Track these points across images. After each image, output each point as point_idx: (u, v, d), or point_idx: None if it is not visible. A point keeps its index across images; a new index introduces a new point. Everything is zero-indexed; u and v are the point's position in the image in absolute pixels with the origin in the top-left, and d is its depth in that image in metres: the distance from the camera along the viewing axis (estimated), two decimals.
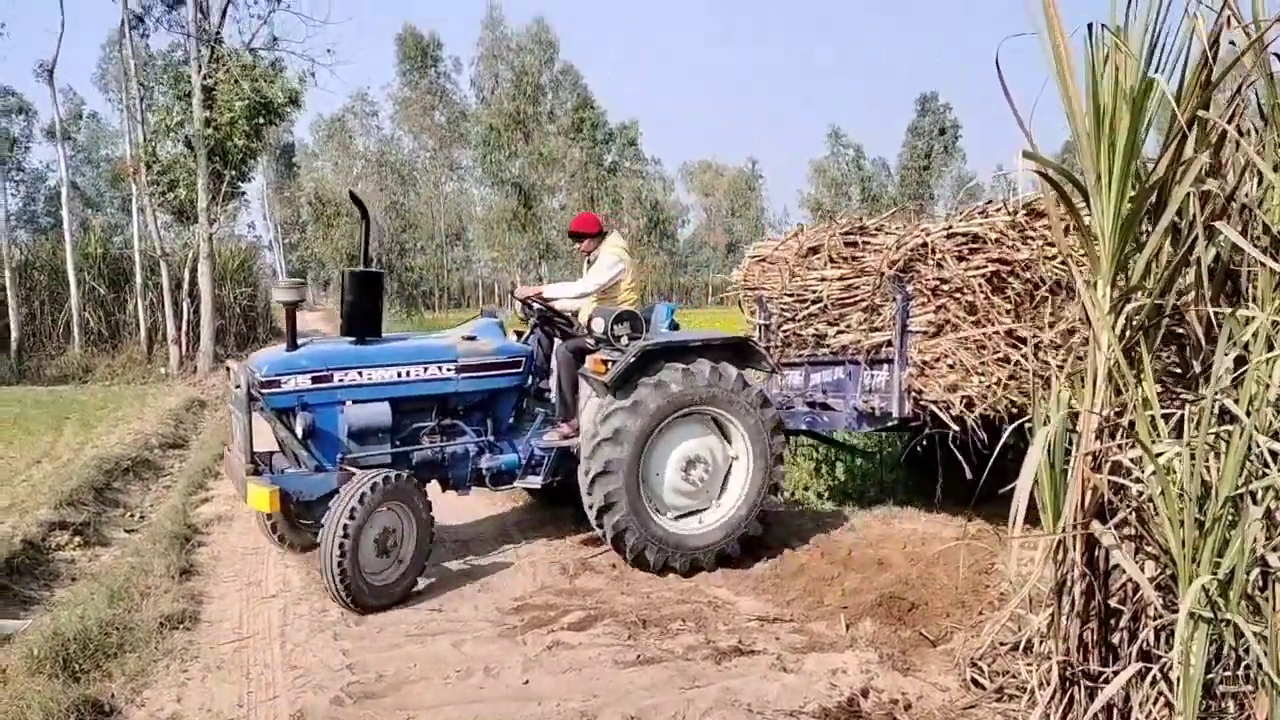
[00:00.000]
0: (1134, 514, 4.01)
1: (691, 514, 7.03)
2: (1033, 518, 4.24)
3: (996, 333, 6.88)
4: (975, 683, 4.85)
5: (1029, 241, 6.93)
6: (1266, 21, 3.42)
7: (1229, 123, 3.77)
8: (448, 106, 49.82)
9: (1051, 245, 6.77)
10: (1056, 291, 6.86)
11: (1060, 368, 4.04)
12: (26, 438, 12.55)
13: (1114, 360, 3.72)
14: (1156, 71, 3.65)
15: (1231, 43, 3.57)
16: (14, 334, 21.41)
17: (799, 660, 5.02)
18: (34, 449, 11.62)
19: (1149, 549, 4.07)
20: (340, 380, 6.40)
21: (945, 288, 7.02)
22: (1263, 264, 3.53)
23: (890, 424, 7.65)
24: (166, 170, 20.94)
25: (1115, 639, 4.29)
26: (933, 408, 7.04)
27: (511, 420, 7.33)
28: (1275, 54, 3.84)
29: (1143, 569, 4.00)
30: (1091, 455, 4.03)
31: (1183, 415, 3.83)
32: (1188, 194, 3.82)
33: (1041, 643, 4.55)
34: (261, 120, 20.35)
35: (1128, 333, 3.96)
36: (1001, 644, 5.09)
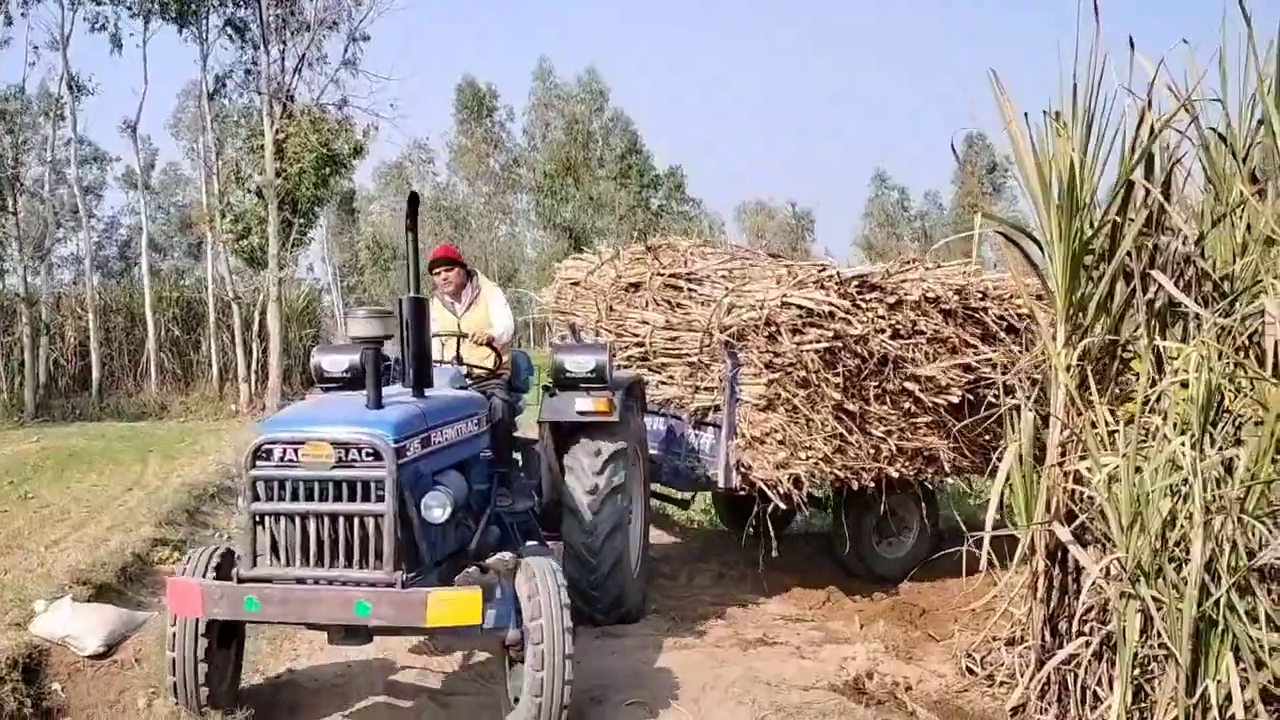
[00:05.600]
0: (1095, 516, 4.73)
1: None
2: None
3: (826, 407, 6.70)
4: (970, 670, 5.54)
5: (863, 313, 6.76)
6: (1167, 114, 4.19)
7: (1164, 187, 4.53)
8: (502, 154, 51.36)
9: (882, 318, 6.83)
10: (884, 364, 6.85)
11: (1028, 396, 4.79)
12: (116, 468, 13.51)
13: (1065, 387, 4.47)
14: (1099, 141, 4.46)
15: (1151, 127, 4.34)
16: (95, 373, 22.65)
17: (816, 650, 5.80)
18: (125, 478, 12.53)
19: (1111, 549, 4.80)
20: (436, 443, 4.92)
21: (779, 361, 6.64)
22: (1186, 305, 4.28)
23: (715, 489, 7.42)
24: (239, 219, 22.22)
25: (1087, 628, 5.00)
26: (761, 484, 6.73)
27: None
28: (1211, 130, 4.65)
29: (1109, 571, 4.71)
30: (1058, 466, 4.78)
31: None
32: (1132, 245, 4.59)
33: (1023, 634, 5.27)
34: (328, 171, 21.59)
35: (1085, 364, 4.71)
36: (995, 638, 5.77)
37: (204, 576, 4.60)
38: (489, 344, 6.39)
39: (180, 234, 50.58)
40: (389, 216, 53.35)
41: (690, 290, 7.28)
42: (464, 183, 53.17)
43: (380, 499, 4.35)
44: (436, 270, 6.67)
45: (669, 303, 7.38)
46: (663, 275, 7.48)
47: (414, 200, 5.29)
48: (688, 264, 7.64)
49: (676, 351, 7.26)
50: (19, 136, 23.23)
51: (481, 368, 6.32)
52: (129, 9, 22.33)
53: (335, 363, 5.90)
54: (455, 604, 4.29)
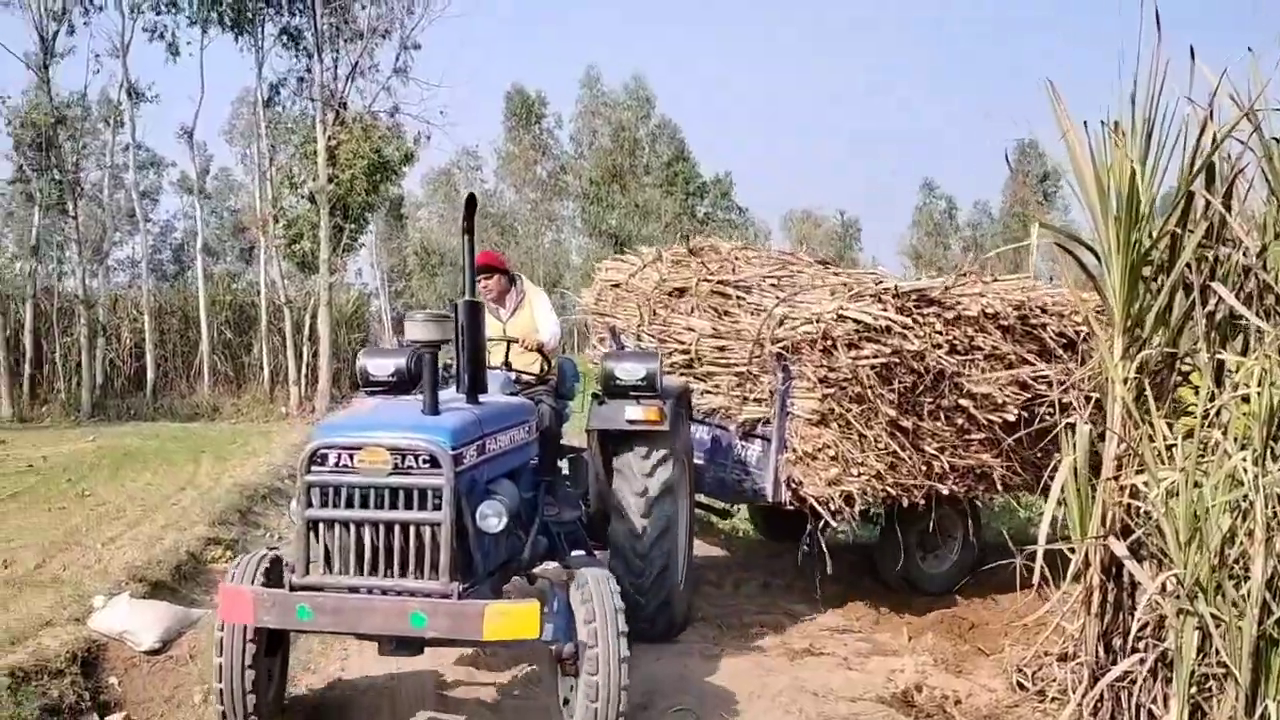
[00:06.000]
0: (1152, 531, 4.65)
1: None
2: None
3: (880, 423, 6.52)
4: (1020, 686, 5.48)
5: (920, 327, 6.60)
6: (1229, 124, 4.13)
7: (1225, 198, 4.46)
8: (549, 160, 51.67)
9: (939, 333, 6.67)
10: (940, 380, 6.70)
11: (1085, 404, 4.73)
12: (169, 468, 13.77)
13: (1122, 400, 4.41)
14: (1159, 151, 4.40)
15: (1213, 136, 4.28)
16: (150, 374, 23.12)
17: (863, 661, 5.77)
18: (178, 478, 12.78)
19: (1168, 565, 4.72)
20: (491, 450, 4.80)
21: (833, 376, 6.43)
22: (1248, 318, 4.20)
23: (760, 502, 7.27)
24: (292, 224, 22.58)
25: (1142, 645, 4.92)
26: (813, 501, 6.55)
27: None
28: (1275, 140, 4.57)
29: (1165, 587, 4.64)
30: (1114, 479, 4.71)
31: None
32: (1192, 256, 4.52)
33: (1076, 650, 5.19)
34: (379, 177, 21.88)
35: (1142, 377, 4.64)
36: (1047, 653, 5.70)
37: (253, 583, 4.50)
38: (539, 349, 6.29)
39: (233, 238, 51.34)
40: (436, 222, 53.85)
41: (739, 298, 7.09)
42: (511, 189, 53.52)
43: (437, 507, 4.24)
44: (477, 277, 6.11)
45: (716, 310, 7.20)
46: (710, 281, 7.31)
47: (471, 202, 5.04)
48: (735, 270, 7.48)
49: (724, 361, 7.06)
50: (80, 142, 23.78)
51: (529, 374, 6.22)
52: (188, 18, 22.82)
53: (381, 366, 5.79)
54: (513, 617, 4.15)
